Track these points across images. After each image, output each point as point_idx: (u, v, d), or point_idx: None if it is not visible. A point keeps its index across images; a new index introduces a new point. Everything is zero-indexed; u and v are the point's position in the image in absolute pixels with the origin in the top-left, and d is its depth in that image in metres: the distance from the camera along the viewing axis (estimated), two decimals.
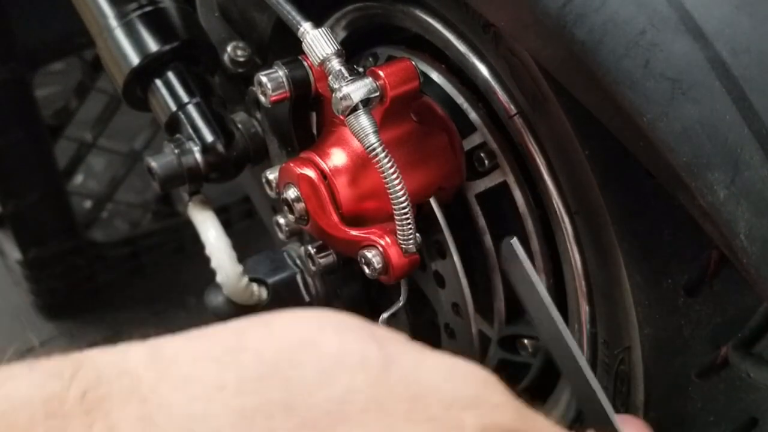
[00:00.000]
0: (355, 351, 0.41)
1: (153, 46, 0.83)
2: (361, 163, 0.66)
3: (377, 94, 0.63)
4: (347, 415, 0.39)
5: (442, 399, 0.41)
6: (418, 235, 0.65)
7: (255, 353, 0.40)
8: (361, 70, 0.65)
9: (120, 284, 1.81)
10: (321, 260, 0.77)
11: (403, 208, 0.62)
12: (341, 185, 0.67)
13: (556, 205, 0.65)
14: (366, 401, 0.40)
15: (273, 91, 0.69)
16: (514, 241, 0.59)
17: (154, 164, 0.79)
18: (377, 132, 0.61)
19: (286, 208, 0.71)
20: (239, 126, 0.82)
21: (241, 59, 0.88)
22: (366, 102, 0.62)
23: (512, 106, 0.65)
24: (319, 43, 0.64)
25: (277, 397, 0.39)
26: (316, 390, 0.39)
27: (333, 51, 0.64)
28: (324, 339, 0.42)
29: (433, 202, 0.70)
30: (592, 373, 0.56)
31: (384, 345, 0.42)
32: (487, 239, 0.73)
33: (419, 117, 0.68)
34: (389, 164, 0.60)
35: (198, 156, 0.80)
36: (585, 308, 0.67)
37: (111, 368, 0.39)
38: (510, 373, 0.72)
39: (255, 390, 0.39)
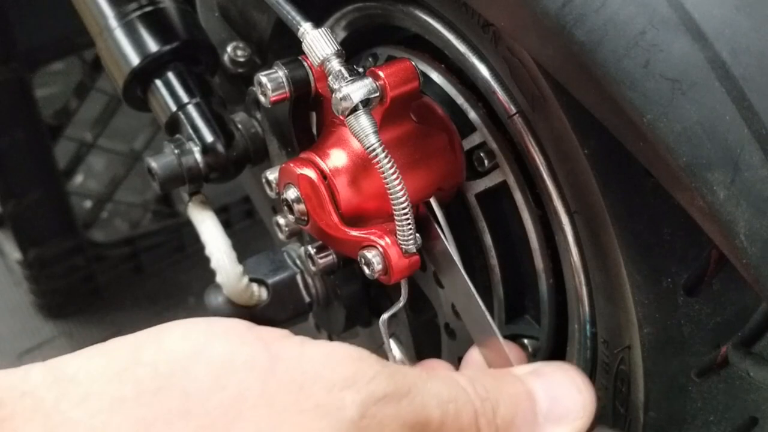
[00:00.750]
0: (242, 354, 0.45)
1: (153, 46, 0.83)
2: (361, 164, 0.66)
3: (377, 94, 0.63)
4: (241, 413, 0.42)
5: (324, 385, 0.45)
6: (418, 235, 0.65)
7: (150, 367, 0.43)
8: (361, 70, 0.65)
9: (120, 284, 1.82)
10: (321, 260, 0.77)
11: (403, 208, 0.62)
12: (341, 185, 0.67)
13: (555, 205, 0.65)
14: (256, 399, 0.43)
15: (273, 91, 0.69)
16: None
17: (154, 164, 0.79)
18: (377, 132, 0.61)
19: (285, 208, 0.71)
20: (239, 126, 0.82)
21: (241, 59, 0.88)
22: (366, 102, 0.62)
23: (512, 106, 0.65)
24: (319, 43, 0.64)
25: (174, 405, 0.42)
26: (210, 395, 0.42)
27: (333, 51, 0.64)
28: (213, 347, 0.45)
29: (434, 202, 0.70)
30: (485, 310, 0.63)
31: (269, 344, 0.46)
32: (487, 239, 0.73)
33: (419, 117, 0.68)
34: (389, 164, 0.60)
35: (198, 156, 0.80)
36: (585, 308, 0.68)
37: (12, 390, 0.41)
38: None
39: (153, 401, 0.42)
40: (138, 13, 0.84)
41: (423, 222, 0.69)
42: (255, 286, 0.81)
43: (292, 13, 0.67)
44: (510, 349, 0.63)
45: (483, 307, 0.65)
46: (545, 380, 0.55)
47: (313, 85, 0.70)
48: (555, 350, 0.74)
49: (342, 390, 0.45)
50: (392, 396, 0.47)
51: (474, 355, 0.65)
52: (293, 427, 0.43)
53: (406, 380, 0.48)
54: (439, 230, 0.68)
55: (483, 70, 0.67)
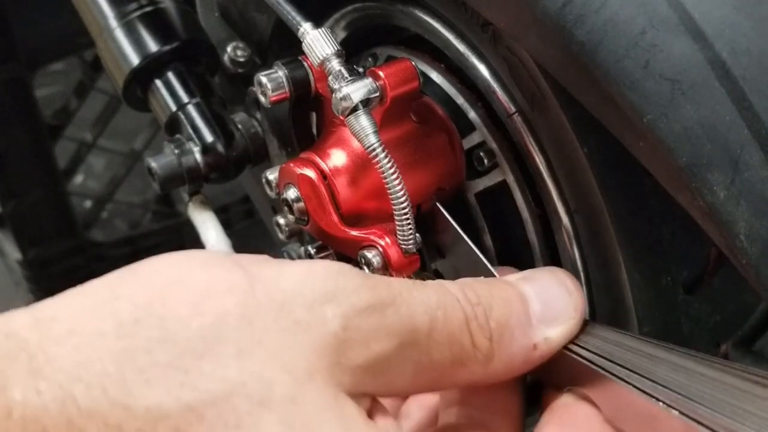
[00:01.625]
0: (221, 279, 0.45)
1: (153, 46, 0.84)
2: (361, 164, 0.66)
3: (377, 94, 0.63)
4: (221, 336, 0.43)
5: (303, 301, 0.45)
6: (418, 235, 0.65)
7: (128, 300, 0.43)
8: (360, 70, 0.65)
9: None
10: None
11: (403, 208, 0.62)
12: (341, 185, 0.67)
13: (555, 205, 0.65)
14: (236, 321, 0.43)
15: (273, 91, 0.69)
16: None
17: (154, 164, 0.79)
18: (377, 132, 0.61)
19: (286, 208, 0.71)
20: (239, 126, 0.82)
21: (241, 59, 0.88)
22: (366, 102, 0.62)
23: (511, 106, 0.65)
24: (319, 43, 0.64)
25: (154, 334, 0.42)
26: (190, 321, 0.43)
27: (333, 51, 0.64)
28: (191, 275, 0.45)
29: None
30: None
31: (248, 268, 0.46)
32: (487, 238, 0.73)
33: (419, 117, 0.68)
34: (389, 164, 0.60)
35: (198, 156, 0.80)
36: (585, 307, 0.68)
37: None
38: None
39: (133, 332, 0.42)
40: (138, 13, 0.84)
41: (431, 214, 0.69)
42: None
43: (292, 13, 0.67)
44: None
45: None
46: (536, 283, 0.54)
47: (313, 85, 0.70)
48: None
49: (323, 305, 0.45)
50: (375, 306, 0.46)
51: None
52: (274, 345, 0.43)
53: (391, 290, 0.48)
54: (448, 217, 0.68)
55: (482, 69, 0.67)
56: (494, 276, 0.64)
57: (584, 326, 0.53)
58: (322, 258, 0.77)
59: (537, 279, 0.55)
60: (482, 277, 0.55)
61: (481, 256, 0.65)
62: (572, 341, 0.53)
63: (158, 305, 0.43)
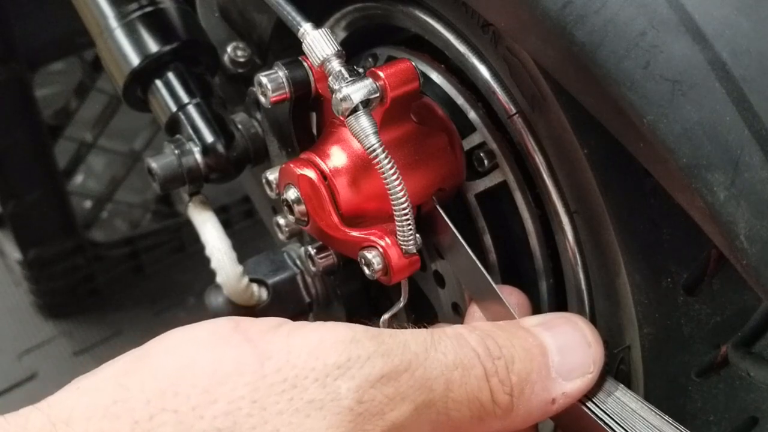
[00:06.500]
0: (229, 359, 0.44)
1: (153, 46, 0.84)
2: (361, 164, 0.66)
3: (377, 95, 0.63)
4: (236, 424, 0.42)
5: (316, 377, 0.44)
6: (418, 235, 0.65)
7: (140, 394, 0.43)
8: (361, 70, 0.65)
9: (120, 284, 1.81)
10: (321, 261, 0.77)
11: (404, 209, 0.62)
12: (341, 186, 0.67)
13: (555, 205, 0.65)
14: (250, 406, 0.42)
15: (273, 91, 0.69)
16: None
17: (154, 165, 0.79)
18: (377, 133, 0.61)
19: (286, 208, 0.71)
20: (239, 126, 0.82)
21: (241, 60, 0.88)
22: (366, 103, 0.62)
23: (511, 106, 0.65)
24: (319, 43, 0.64)
25: (170, 430, 0.41)
26: (203, 411, 0.42)
27: (333, 52, 0.64)
28: (199, 359, 0.44)
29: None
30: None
31: (256, 343, 0.45)
32: (487, 239, 0.73)
33: (419, 117, 0.68)
34: (389, 165, 0.60)
35: (198, 157, 0.80)
36: (585, 308, 0.68)
37: None
38: None
39: (148, 429, 0.41)
40: (138, 13, 0.84)
41: (430, 216, 0.69)
42: (255, 287, 0.81)
43: (292, 14, 0.67)
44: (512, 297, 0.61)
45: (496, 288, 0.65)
46: (556, 333, 0.53)
47: (313, 85, 0.70)
48: None
49: (336, 379, 0.44)
50: (390, 375, 0.45)
51: (477, 311, 0.64)
52: (291, 428, 0.42)
53: (405, 354, 0.47)
54: (447, 222, 0.68)
55: (483, 70, 0.67)
56: (489, 282, 0.64)
57: (601, 380, 0.53)
58: (322, 258, 0.77)
59: (557, 328, 0.54)
60: (502, 323, 0.54)
61: (480, 267, 0.65)
62: (589, 395, 0.52)
63: (170, 397, 0.42)
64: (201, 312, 0.81)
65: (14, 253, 1.71)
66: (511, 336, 0.52)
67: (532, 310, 0.64)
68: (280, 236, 0.83)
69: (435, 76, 0.73)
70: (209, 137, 0.81)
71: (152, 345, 0.46)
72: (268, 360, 0.44)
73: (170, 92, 0.83)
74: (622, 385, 0.54)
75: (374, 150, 0.60)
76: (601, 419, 0.51)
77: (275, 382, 0.43)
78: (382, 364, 0.45)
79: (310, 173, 0.67)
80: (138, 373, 0.44)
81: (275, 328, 0.47)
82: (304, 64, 0.69)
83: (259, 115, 0.82)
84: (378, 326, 0.62)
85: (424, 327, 0.56)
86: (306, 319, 0.87)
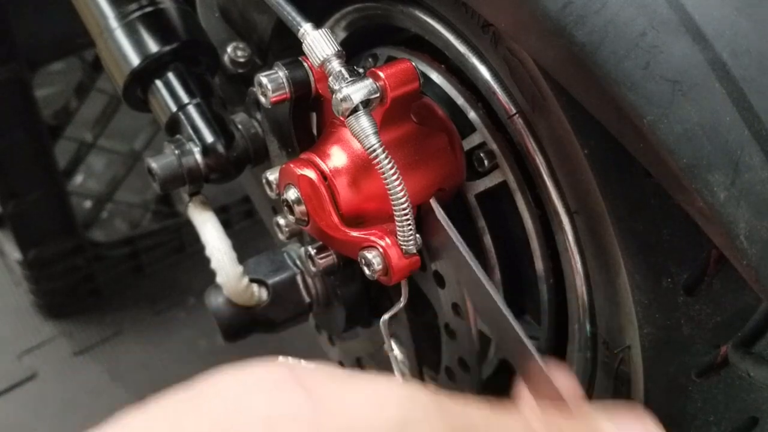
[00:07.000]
0: (284, 406, 0.43)
1: (153, 47, 0.83)
2: (362, 164, 0.66)
3: (377, 95, 0.63)
4: None
5: (373, 430, 0.43)
6: (418, 235, 0.65)
7: None
8: (361, 71, 0.65)
9: (120, 284, 1.81)
10: (321, 261, 0.77)
11: (404, 209, 0.62)
12: (341, 186, 0.67)
13: (555, 205, 0.65)
14: None
15: (273, 92, 0.69)
16: (433, 201, 0.66)
17: (154, 165, 0.79)
18: (377, 133, 0.61)
19: (286, 208, 0.71)
20: (239, 127, 0.82)
21: (241, 60, 0.88)
22: (366, 103, 0.62)
23: (512, 106, 0.65)
24: (319, 44, 0.64)
25: None
26: None
27: (333, 52, 0.64)
28: (253, 404, 0.43)
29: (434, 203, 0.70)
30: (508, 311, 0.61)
31: (311, 390, 0.44)
32: (487, 239, 0.73)
33: (419, 118, 0.68)
34: (389, 165, 0.60)
35: (198, 157, 0.80)
36: (585, 308, 0.68)
37: None
38: (511, 373, 0.72)
39: None
40: (138, 13, 0.84)
41: (428, 218, 0.69)
42: (255, 287, 0.81)
43: (292, 14, 0.67)
44: (555, 375, 0.59)
45: (500, 300, 0.64)
46: (622, 428, 0.53)
47: (313, 85, 0.70)
48: (555, 350, 0.74)
49: None
50: None
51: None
52: None
53: (465, 419, 0.46)
54: (449, 226, 0.67)
55: (483, 70, 0.67)
56: (486, 283, 0.64)
57: None
58: (323, 258, 0.77)
59: (623, 422, 0.53)
60: (564, 410, 0.54)
61: (481, 276, 0.65)
62: None
63: None
64: (201, 312, 0.81)
65: (14, 253, 1.71)
66: (576, 428, 0.51)
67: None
68: (280, 236, 0.83)
69: (435, 77, 0.73)
70: (209, 137, 0.81)
71: (203, 387, 0.45)
72: (322, 410, 0.43)
73: (170, 92, 0.83)
74: None
75: (374, 150, 0.60)
76: None
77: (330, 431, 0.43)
78: (441, 427, 0.44)
79: (311, 173, 0.67)
80: (191, 416, 0.43)
81: (329, 376, 0.46)
82: (305, 64, 0.69)
83: (259, 116, 0.82)
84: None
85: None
86: (306, 319, 0.87)
